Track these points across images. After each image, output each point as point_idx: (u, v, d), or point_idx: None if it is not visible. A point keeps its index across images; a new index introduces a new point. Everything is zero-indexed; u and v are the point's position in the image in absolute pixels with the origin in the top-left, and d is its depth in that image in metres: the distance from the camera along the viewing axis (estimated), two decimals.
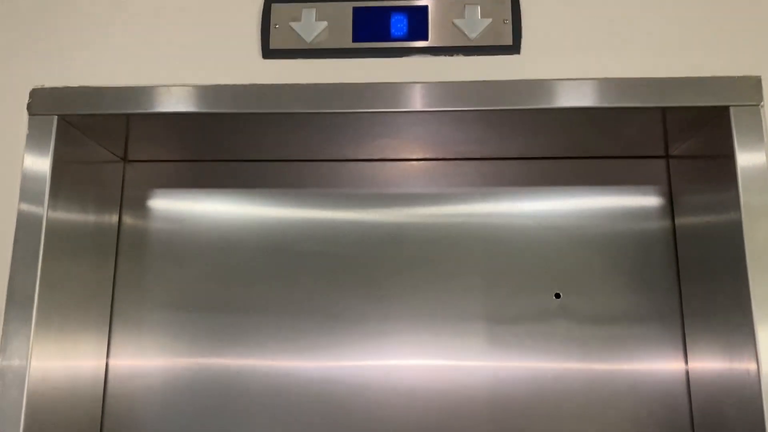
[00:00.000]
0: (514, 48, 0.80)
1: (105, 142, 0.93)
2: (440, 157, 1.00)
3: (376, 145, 0.94)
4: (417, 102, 0.79)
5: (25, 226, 0.79)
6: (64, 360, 0.84)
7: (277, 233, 1.00)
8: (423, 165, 1.01)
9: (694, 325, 0.90)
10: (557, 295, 0.95)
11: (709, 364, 0.85)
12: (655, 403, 0.91)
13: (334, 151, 0.98)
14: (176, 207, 1.02)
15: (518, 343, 0.94)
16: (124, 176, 1.03)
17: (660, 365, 0.92)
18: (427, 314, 0.95)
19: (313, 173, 1.02)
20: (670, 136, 0.89)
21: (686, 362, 0.92)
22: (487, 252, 0.97)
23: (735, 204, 0.75)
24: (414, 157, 1.00)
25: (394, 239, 0.98)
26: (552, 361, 0.93)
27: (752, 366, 0.72)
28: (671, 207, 0.96)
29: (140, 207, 1.02)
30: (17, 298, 0.77)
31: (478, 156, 0.99)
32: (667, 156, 0.98)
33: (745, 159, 0.75)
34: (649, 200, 0.97)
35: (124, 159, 1.02)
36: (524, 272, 0.96)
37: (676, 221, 0.95)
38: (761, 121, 0.76)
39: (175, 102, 0.81)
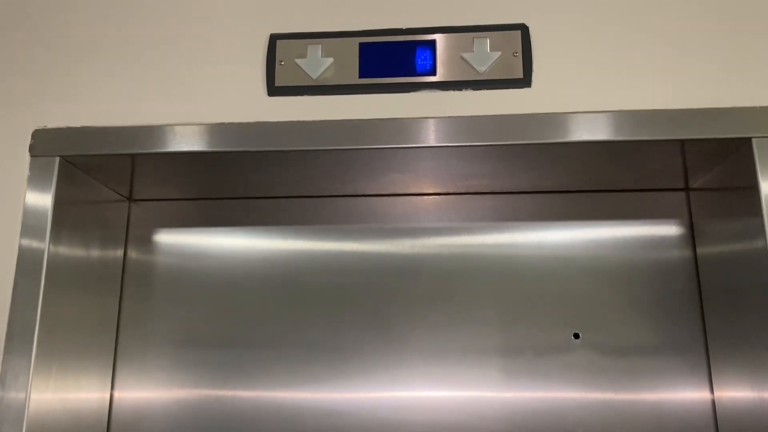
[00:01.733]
0: (525, 81, 0.78)
1: (109, 181, 0.92)
2: (452, 191, 0.98)
3: (386, 181, 0.92)
4: (426, 137, 0.77)
5: (26, 261, 0.78)
6: (65, 393, 0.82)
7: (285, 268, 0.98)
8: (434, 199, 0.99)
9: (719, 354, 0.87)
10: (576, 335, 0.91)
11: (735, 393, 0.82)
12: None
13: (343, 187, 0.96)
14: (183, 244, 1.00)
15: (538, 375, 0.90)
16: (129, 215, 1.01)
17: (685, 395, 0.89)
18: (440, 347, 0.93)
19: (322, 209, 1.00)
20: (689, 168, 0.86)
21: (712, 392, 0.88)
22: (503, 284, 0.94)
23: (760, 232, 0.72)
24: (425, 191, 0.98)
25: (406, 273, 0.96)
26: (573, 392, 0.90)
27: None
28: (692, 237, 0.93)
29: (146, 244, 1.00)
30: (17, 330, 0.76)
31: (490, 190, 0.97)
32: (687, 188, 0.95)
33: None
34: (669, 231, 0.94)
35: (130, 198, 1.01)
36: (542, 305, 0.93)
37: (698, 251, 0.92)
38: None
39: (180, 141, 0.80)
